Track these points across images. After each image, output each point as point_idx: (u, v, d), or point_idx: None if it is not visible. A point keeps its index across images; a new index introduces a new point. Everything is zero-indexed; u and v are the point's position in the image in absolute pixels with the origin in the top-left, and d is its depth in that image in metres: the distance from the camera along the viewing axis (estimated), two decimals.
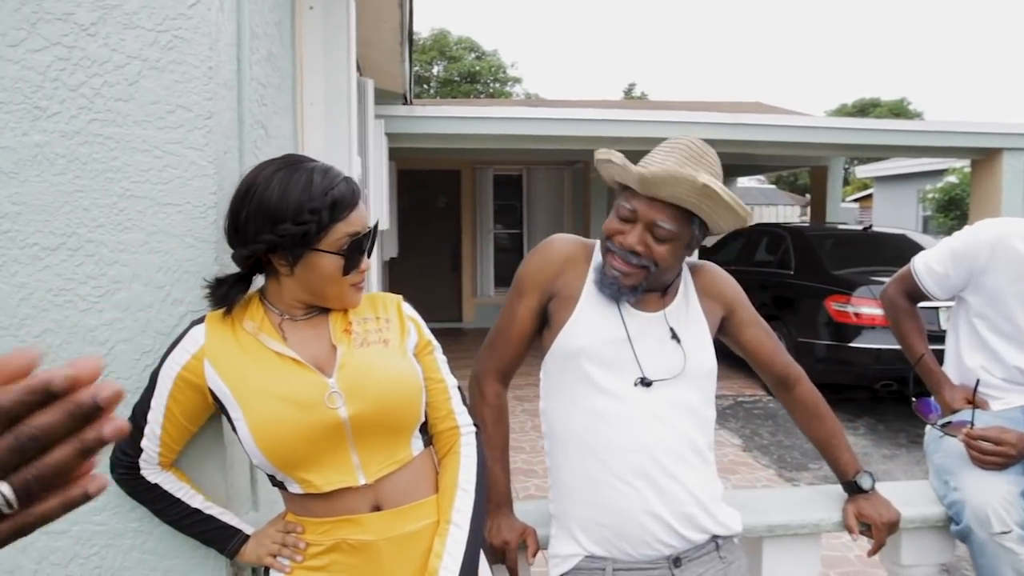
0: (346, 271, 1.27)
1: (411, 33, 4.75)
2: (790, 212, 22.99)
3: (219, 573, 1.46)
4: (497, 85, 30.04)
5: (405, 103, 6.91)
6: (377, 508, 1.27)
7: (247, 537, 1.36)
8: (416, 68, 28.40)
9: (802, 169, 13.39)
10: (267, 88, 1.91)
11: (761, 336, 1.63)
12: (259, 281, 1.36)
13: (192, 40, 1.37)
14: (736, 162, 11.44)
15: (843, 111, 37.76)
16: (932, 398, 1.96)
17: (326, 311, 1.34)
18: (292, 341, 1.29)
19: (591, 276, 1.52)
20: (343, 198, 1.25)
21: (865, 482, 1.67)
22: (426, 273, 10.95)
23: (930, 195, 15.68)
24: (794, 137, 7.31)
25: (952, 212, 14.83)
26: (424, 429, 1.37)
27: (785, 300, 7.08)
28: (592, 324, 1.49)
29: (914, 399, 1.97)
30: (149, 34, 1.35)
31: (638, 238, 1.41)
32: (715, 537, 1.50)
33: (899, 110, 35.91)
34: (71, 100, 1.34)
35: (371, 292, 1.44)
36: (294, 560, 1.29)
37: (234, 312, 1.30)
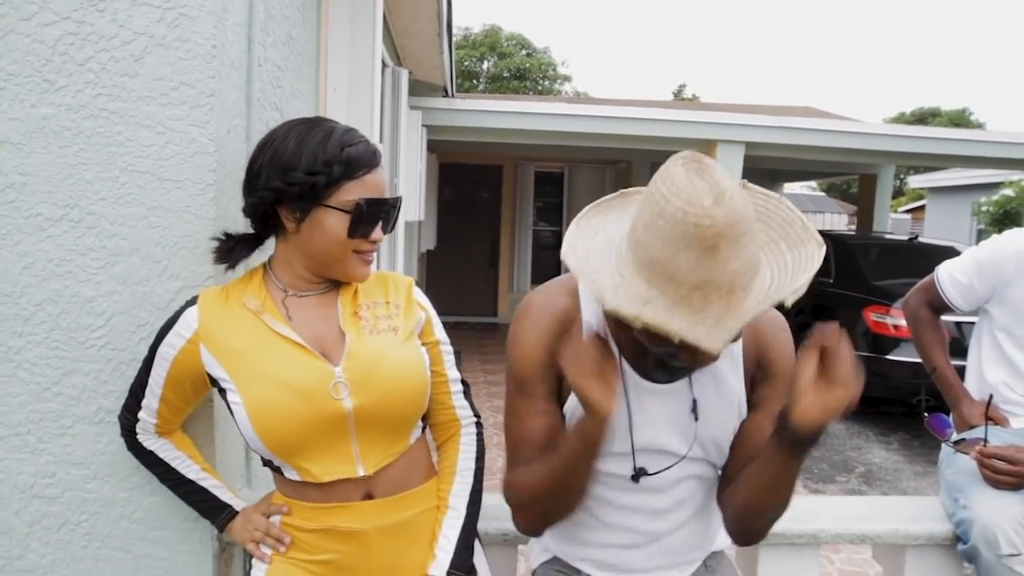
0: (351, 233, 1.20)
1: (450, 25, 4.74)
2: (837, 220, 22.53)
3: (205, 546, 1.48)
4: (546, 83, 29.97)
5: (446, 95, 6.92)
6: (369, 496, 1.26)
7: (236, 513, 1.36)
8: (466, 63, 28.52)
9: (852, 177, 13.07)
10: (284, 71, 1.92)
11: (765, 427, 1.24)
12: (266, 253, 1.35)
13: (197, 18, 1.38)
14: (784, 167, 11.25)
15: (901, 119, 36.84)
16: (945, 414, 1.89)
17: (334, 289, 1.30)
18: (296, 321, 1.24)
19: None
20: (360, 157, 1.20)
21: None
22: (463, 267, 10.99)
23: (984, 208, 15.19)
24: (842, 143, 7.12)
25: (1007, 225, 14.33)
26: (423, 417, 1.34)
27: (823, 308, 6.92)
28: None
29: (926, 415, 1.90)
30: (156, 11, 1.37)
31: (687, 358, 1.07)
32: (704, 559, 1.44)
33: (959, 120, 34.87)
34: (78, 74, 1.37)
35: (383, 271, 1.42)
36: (277, 551, 1.29)
37: (234, 288, 1.28)
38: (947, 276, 1.91)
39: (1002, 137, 7.60)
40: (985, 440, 1.69)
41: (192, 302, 1.27)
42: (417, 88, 6.44)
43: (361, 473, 1.23)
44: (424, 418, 1.34)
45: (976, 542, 1.56)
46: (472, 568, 1.31)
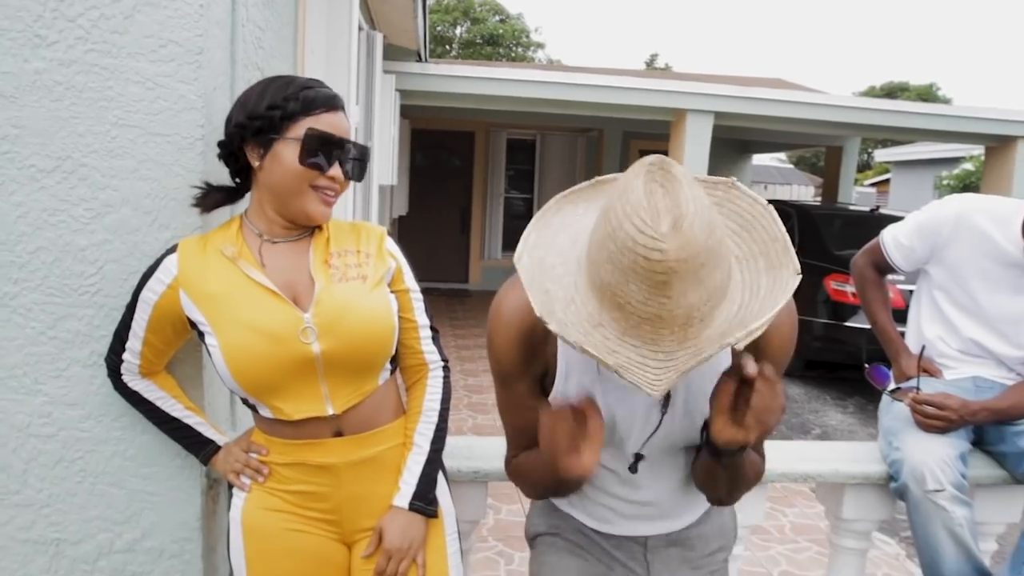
0: (302, 160, 1.27)
1: None
2: (804, 192, 22.85)
3: (194, 482, 1.57)
4: (519, 50, 29.76)
5: (419, 60, 6.92)
6: (339, 434, 1.36)
7: (219, 448, 1.46)
8: (439, 28, 28.17)
9: (820, 149, 13.29)
10: (265, 32, 1.97)
11: None
12: (243, 206, 1.43)
13: None
14: (754, 138, 11.42)
15: (871, 93, 37.22)
16: (884, 366, 2.03)
17: (307, 237, 1.38)
18: (270, 268, 1.32)
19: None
20: (316, 97, 1.30)
21: None
22: (435, 233, 11.04)
23: (945, 182, 15.57)
24: (809, 114, 7.28)
25: None
26: (393, 360, 1.43)
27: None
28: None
29: (867, 365, 2.04)
30: None
31: None
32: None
33: (927, 95, 35.33)
34: (69, 30, 1.42)
35: (357, 222, 1.50)
36: (255, 481, 1.39)
37: (213, 236, 1.36)
38: (891, 239, 2.04)
39: (963, 112, 7.82)
40: (918, 388, 1.84)
41: (172, 250, 1.35)
42: (391, 52, 6.44)
43: (330, 412, 1.33)
44: (394, 360, 1.43)
45: (906, 479, 1.71)
46: (433, 500, 1.41)
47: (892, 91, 36.47)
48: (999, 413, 1.78)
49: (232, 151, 1.35)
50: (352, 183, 1.43)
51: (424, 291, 1.50)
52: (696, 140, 6.93)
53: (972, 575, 1.69)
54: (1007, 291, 1.85)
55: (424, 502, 1.38)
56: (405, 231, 10.44)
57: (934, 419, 1.76)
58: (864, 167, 28.49)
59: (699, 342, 0.90)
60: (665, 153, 7.48)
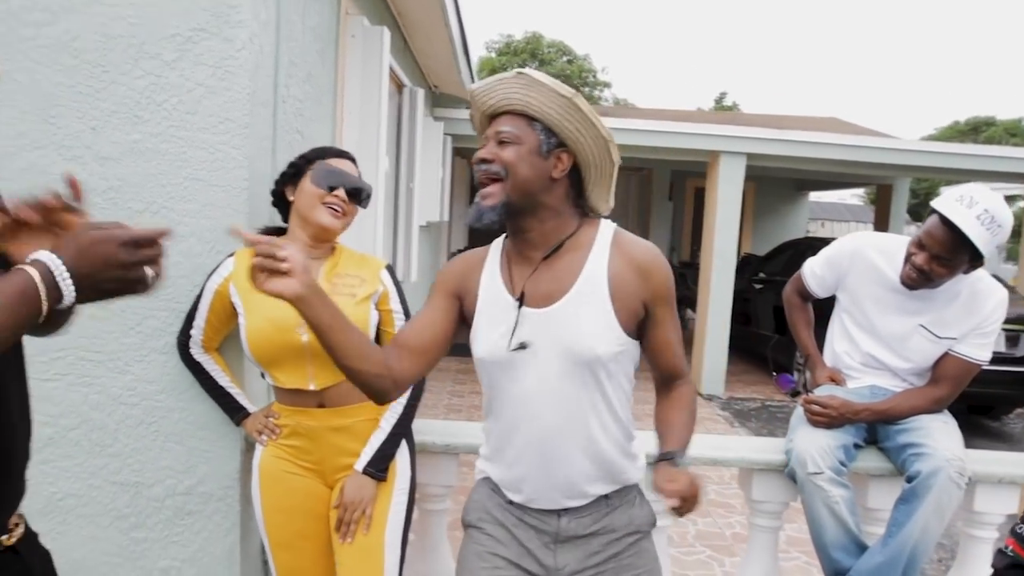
0: (313, 180, 1.82)
1: (466, 45, 5.36)
2: (863, 229, 22.53)
3: (236, 443, 2.09)
4: (586, 89, 30.50)
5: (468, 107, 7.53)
6: (321, 405, 1.87)
7: (249, 414, 1.98)
8: (507, 70, 29.10)
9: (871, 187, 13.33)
10: (304, 103, 2.55)
11: (671, 338, 1.53)
12: None
13: (238, 73, 2.00)
14: (807, 177, 11.66)
15: (955, 128, 36.35)
16: (788, 374, 2.41)
17: (322, 260, 1.90)
18: None
19: (485, 272, 1.56)
20: (329, 150, 1.93)
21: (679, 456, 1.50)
22: None
23: None
24: (836, 155, 7.55)
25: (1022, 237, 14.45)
26: None
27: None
28: (487, 333, 1.51)
29: (774, 373, 2.44)
30: (210, 69, 1.99)
31: (487, 149, 1.43)
32: (603, 496, 1.55)
33: (1015, 129, 34.24)
34: (157, 112, 2.00)
35: (367, 255, 2.02)
36: (271, 438, 1.92)
37: None
38: (808, 269, 2.44)
39: (1007, 152, 7.94)
40: (807, 391, 2.23)
41: (231, 255, 1.93)
42: (443, 101, 7.08)
43: (312, 387, 1.85)
44: None
45: (793, 464, 2.10)
46: (384, 468, 1.85)
47: (977, 126, 35.54)
48: (879, 413, 2.15)
49: (280, 194, 1.92)
50: (395, 224, 1.98)
51: None
52: (729, 180, 7.30)
53: (849, 545, 2.07)
54: (895, 312, 2.22)
55: (376, 469, 1.85)
56: None
57: (819, 416, 2.14)
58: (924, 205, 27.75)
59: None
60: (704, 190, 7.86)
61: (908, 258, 2.12)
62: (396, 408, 1.91)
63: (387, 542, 1.86)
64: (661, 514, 2.17)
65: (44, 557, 1.27)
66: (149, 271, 1.05)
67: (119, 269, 1.01)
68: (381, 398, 1.50)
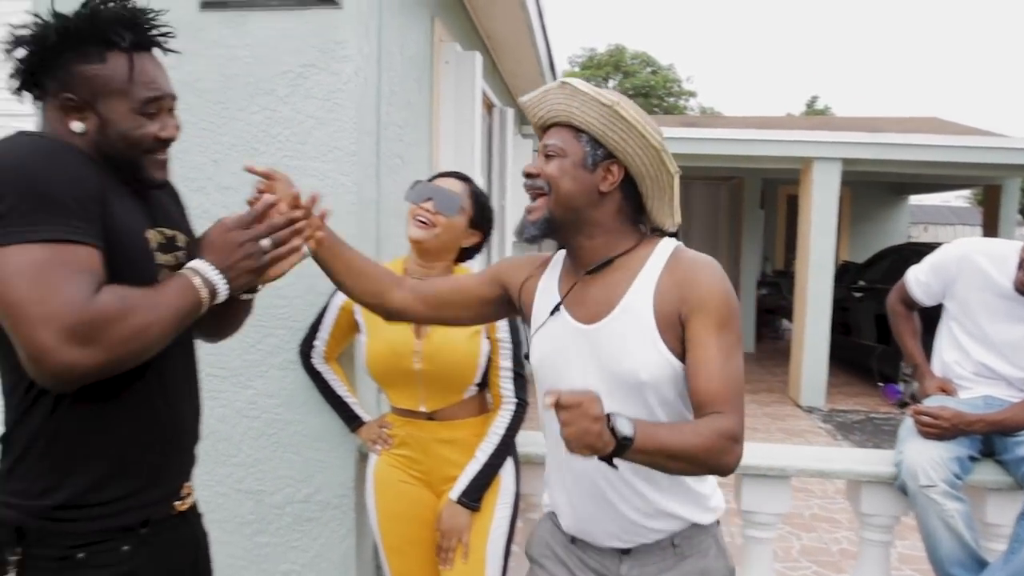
0: (405, 197, 1.92)
1: (552, 63, 5.45)
2: (972, 232, 21.37)
3: (350, 453, 2.21)
4: (671, 99, 30.19)
5: None
6: (431, 418, 1.95)
7: (363, 423, 2.09)
8: (591, 83, 29.13)
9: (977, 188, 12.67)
10: (404, 128, 2.67)
11: (706, 357, 1.29)
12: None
13: (345, 105, 2.13)
14: (906, 180, 11.19)
15: None
16: (895, 384, 2.35)
17: None
18: None
19: (543, 279, 1.52)
20: (442, 173, 2.05)
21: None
22: None
23: None
24: (935, 156, 7.21)
25: None
26: (481, 385, 1.97)
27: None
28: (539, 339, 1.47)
29: (881, 384, 2.37)
30: (319, 102, 2.13)
31: (533, 164, 1.40)
32: (671, 535, 1.43)
33: None
34: (273, 143, 2.15)
35: None
36: (384, 448, 2.01)
37: None
38: (912, 277, 2.38)
39: None
40: (916, 402, 2.17)
41: None
42: None
43: (422, 410, 1.94)
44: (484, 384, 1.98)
45: (904, 476, 2.04)
46: (478, 498, 1.89)
47: None
48: (994, 425, 2.07)
49: None
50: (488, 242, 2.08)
51: None
52: (824, 186, 7.07)
53: (967, 561, 1.99)
54: (1007, 320, 2.14)
55: (469, 499, 1.90)
56: None
57: (930, 427, 2.08)
58: None
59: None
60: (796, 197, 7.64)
61: (1022, 263, 2.05)
62: (492, 440, 1.95)
63: (489, 553, 1.92)
64: (762, 526, 2.17)
65: (205, 535, 1.45)
66: (265, 243, 1.29)
67: (241, 249, 1.25)
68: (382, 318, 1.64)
